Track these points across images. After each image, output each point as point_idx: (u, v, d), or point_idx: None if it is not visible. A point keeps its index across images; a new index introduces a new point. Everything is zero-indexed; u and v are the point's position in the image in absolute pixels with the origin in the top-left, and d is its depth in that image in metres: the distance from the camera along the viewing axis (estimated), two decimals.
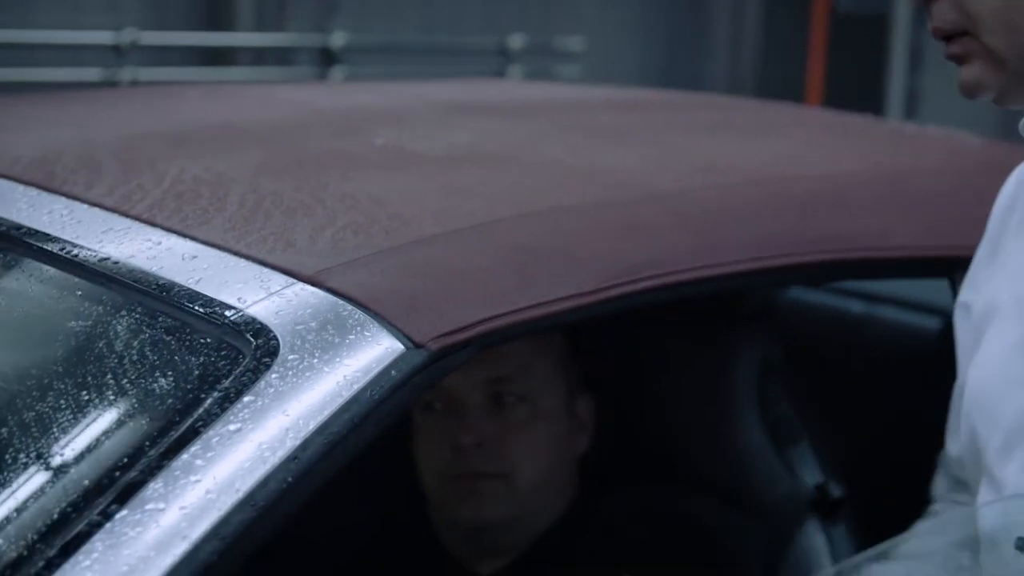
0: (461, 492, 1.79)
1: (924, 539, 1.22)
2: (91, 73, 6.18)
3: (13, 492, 1.26)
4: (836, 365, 2.52)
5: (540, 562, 1.84)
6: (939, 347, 2.44)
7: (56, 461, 1.28)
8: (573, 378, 1.91)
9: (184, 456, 1.23)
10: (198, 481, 1.22)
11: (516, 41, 7.78)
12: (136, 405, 1.32)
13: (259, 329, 1.34)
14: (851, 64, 9.54)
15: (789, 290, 2.62)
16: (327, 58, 7.05)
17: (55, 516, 1.21)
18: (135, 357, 1.36)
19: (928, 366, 2.38)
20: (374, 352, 1.33)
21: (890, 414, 2.43)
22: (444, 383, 1.72)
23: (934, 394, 2.31)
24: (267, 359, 1.31)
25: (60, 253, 1.51)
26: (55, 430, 1.31)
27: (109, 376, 1.35)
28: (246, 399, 1.28)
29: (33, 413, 1.34)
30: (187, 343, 1.36)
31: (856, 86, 9.32)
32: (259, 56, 7.06)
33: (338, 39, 7.04)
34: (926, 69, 9.07)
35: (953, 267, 1.83)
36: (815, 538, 1.95)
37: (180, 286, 1.41)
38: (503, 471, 1.79)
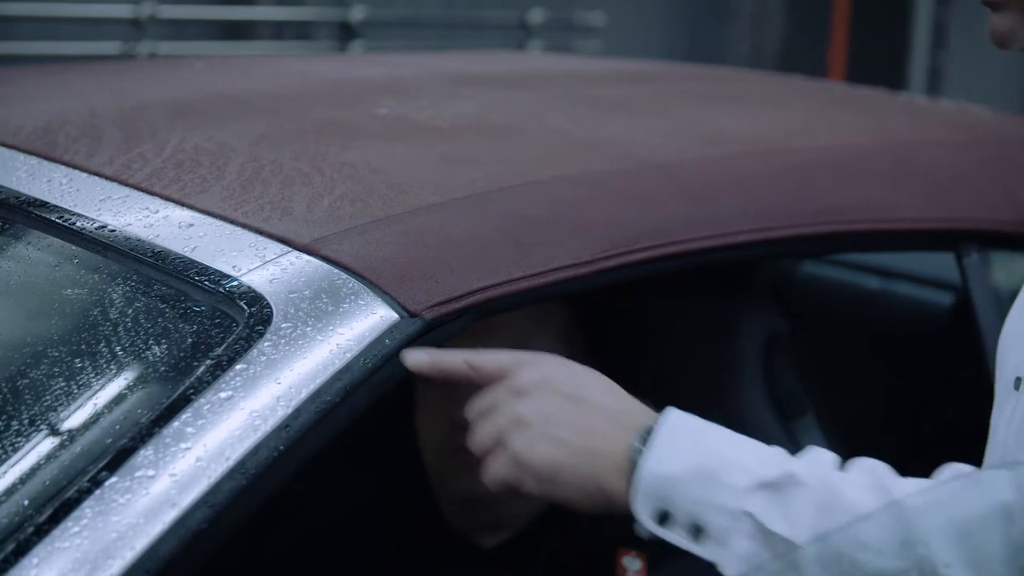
0: (457, 466, 1.78)
1: None
2: (110, 47, 6.18)
3: (4, 457, 1.26)
4: (849, 339, 2.51)
5: (541, 537, 1.83)
6: (952, 322, 2.44)
7: (48, 427, 1.28)
8: (576, 352, 1.89)
9: (175, 424, 1.23)
10: (189, 448, 1.22)
11: (536, 16, 7.75)
12: (128, 372, 1.32)
13: (253, 297, 1.33)
14: (874, 41, 9.49)
15: (803, 265, 2.61)
16: (346, 32, 7.04)
17: (45, 482, 1.21)
18: (128, 324, 1.36)
19: (940, 341, 2.38)
20: (368, 321, 1.33)
21: (902, 388, 2.42)
22: None
23: (946, 368, 2.31)
24: (260, 327, 1.31)
25: (58, 221, 1.51)
26: (48, 397, 1.31)
27: (102, 343, 1.35)
28: (238, 367, 1.27)
29: (27, 380, 1.34)
30: (181, 311, 1.36)
31: (879, 63, 9.27)
32: (278, 30, 7.05)
33: (357, 13, 7.02)
34: (949, 46, 9.01)
35: (959, 240, 1.82)
36: None
37: (175, 254, 1.40)
38: None
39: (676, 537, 1.17)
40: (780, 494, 1.14)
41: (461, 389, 1.79)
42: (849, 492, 1.13)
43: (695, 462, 1.17)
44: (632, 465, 1.18)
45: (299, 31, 7.11)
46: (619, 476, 1.19)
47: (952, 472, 1.14)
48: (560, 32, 7.95)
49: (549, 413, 1.23)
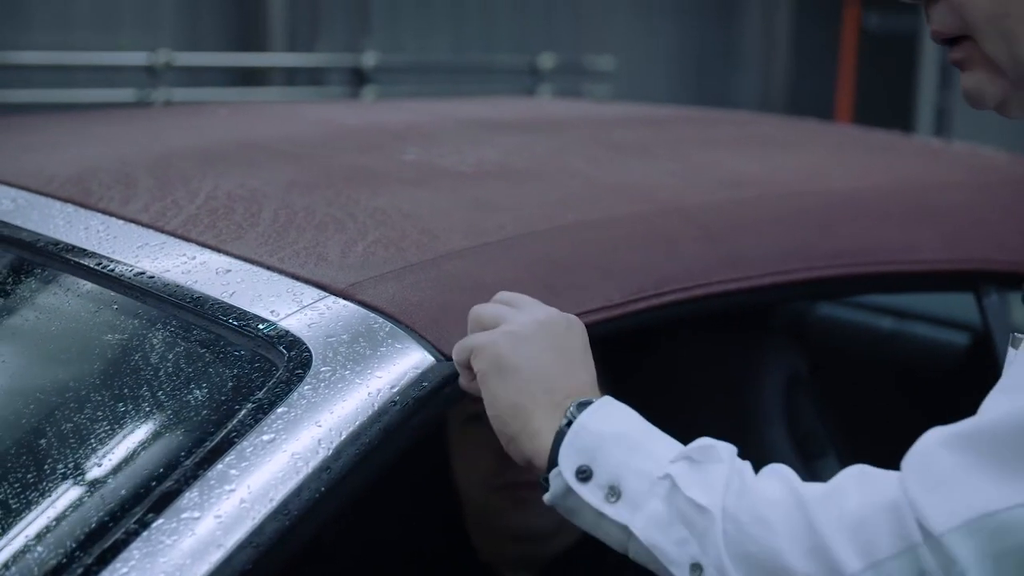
0: (508, 501, 1.79)
1: None
2: (126, 94, 6.24)
3: (53, 501, 1.28)
4: (868, 380, 2.53)
5: (568, 574, 1.85)
6: (968, 362, 2.46)
7: (94, 471, 1.31)
8: (608, 391, 1.92)
9: (219, 466, 1.26)
10: (232, 490, 1.24)
11: (546, 60, 7.81)
12: (172, 416, 1.35)
13: (292, 341, 1.36)
14: (881, 82, 9.54)
15: (820, 306, 2.63)
16: (358, 78, 7.10)
17: (93, 524, 1.23)
18: (170, 369, 1.39)
19: (957, 380, 2.40)
20: (405, 364, 1.36)
21: (920, 429, 2.44)
22: None
23: (964, 407, 2.33)
24: (300, 371, 1.33)
25: (96, 268, 1.54)
26: (93, 441, 1.34)
27: (145, 388, 1.37)
28: (279, 410, 1.30)
29: (71, 424, 1.36)
30: (221, 355, 1.38)
31: (886, 104, 9.32)
32: (291, 76, 7.11)
33: (369, 59, 7.09)
34: (956, 87, 9.05)
35: (978, 280, 1.85)
36: None
37: (214, 300, 1.43)
38: None
39: (590, 494, 1.20)
40: (700, 465, 1.18)
41: None
42: (758, 480, 1.17)
43: (627, 430, 1.21)
44: (572, 414, 1.23)
45: (312, 76, 7.17)
46: (558, 416, 1.23)
47: (847, 472, 1.18)
48: (570, 76, 8.01)
49: (539, 330, 1.28)
